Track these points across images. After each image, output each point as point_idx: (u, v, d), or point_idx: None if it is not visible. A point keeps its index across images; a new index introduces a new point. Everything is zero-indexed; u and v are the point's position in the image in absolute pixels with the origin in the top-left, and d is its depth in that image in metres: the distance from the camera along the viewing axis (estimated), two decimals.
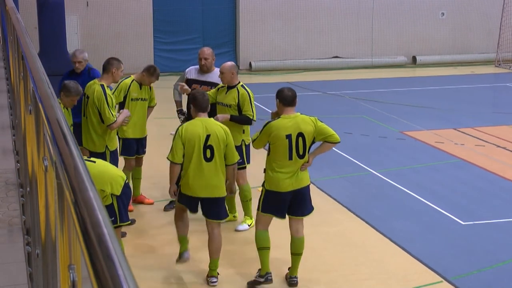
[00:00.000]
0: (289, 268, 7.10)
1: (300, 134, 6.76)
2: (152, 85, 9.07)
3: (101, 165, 6.52)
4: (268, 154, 6.90)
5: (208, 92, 8.31)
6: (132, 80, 8.89)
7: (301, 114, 6.86)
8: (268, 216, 6.97)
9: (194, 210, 7.08)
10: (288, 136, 6.73)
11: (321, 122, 6.87)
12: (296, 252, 7.02)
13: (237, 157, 7.05)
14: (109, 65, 8.24)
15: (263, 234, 6.97)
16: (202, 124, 6.86)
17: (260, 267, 7.04)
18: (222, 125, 7.03)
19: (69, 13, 17.67)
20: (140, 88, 8.91)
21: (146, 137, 9.22)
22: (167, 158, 6.95)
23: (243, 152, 8.28)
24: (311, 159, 6.90)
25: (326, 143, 6.88)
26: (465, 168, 11.31)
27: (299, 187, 6.88)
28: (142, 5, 20.91)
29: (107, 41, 20.58)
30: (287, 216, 7.01)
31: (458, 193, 10.07)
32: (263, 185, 6.97)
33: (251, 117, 8.16)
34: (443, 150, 12.33)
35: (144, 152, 9.27)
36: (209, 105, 7.09)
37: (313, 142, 6.88)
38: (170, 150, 6.91)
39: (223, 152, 6.89)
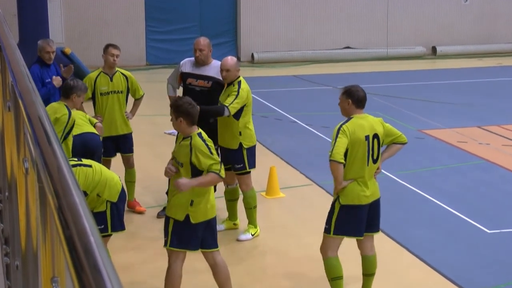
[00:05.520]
0: None
1: (376, 136, 6.68)
2: (131, 74, 9.05)
3: (97, 169, 6.52)
4: (344, 163, 6.68)
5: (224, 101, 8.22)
6: (100, 72, 8.90)
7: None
8: (340, 238, 6.77)
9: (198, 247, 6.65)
10: (367, 138, 6.63)
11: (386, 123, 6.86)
12: (370, 273, 6.94)
13: None
14: None
15: (336, 262, 6.78)
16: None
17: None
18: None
19: None
20: (111, 80, 8.88)
21: (130, 134, 9.18)
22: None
23: (244, 156, 8.30)
24: (380, 165, 6.85)
25: (395, 145, 6.86)
26: (491, 170, 11.31)
27: (376, 198, 6.82)
28: None
29: (94, 28, 20.59)
30: None
31: (483, 197, 10.07)
32: (336, 202, 6.78)
33: (226, 106, 8.01)
34: (466, 150, 12.32)
35: (129, 151, 9.22)
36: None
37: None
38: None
39: None
